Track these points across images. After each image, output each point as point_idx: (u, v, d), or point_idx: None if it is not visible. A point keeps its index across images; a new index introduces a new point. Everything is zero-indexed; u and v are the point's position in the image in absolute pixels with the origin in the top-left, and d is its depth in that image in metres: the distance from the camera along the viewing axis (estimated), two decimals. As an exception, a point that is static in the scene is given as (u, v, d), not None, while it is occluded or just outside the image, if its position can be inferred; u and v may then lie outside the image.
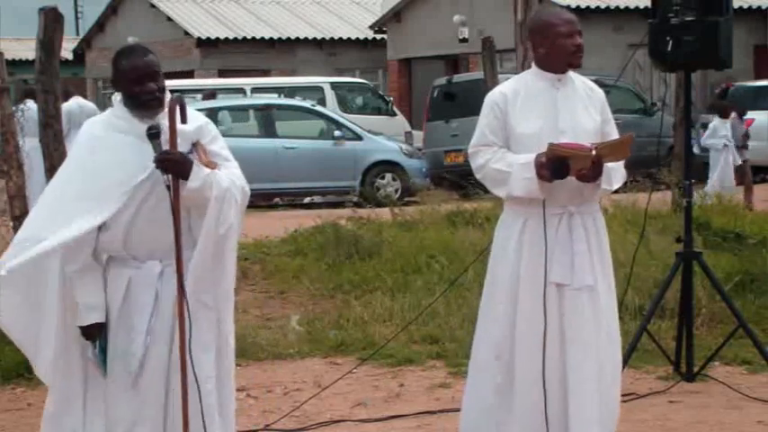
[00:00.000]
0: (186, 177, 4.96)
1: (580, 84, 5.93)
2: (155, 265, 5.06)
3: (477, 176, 5.91)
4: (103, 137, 5.07)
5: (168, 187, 4.95)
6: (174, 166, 4.96)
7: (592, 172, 5.65)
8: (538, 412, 5.72)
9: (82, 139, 5.14)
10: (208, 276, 5.07)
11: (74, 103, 17.97)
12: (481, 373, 5.90)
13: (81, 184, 5.03)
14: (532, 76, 5.88)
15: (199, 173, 4.99)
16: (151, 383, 5.07)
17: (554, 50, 5.78)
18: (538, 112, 5.78)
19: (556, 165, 5.60)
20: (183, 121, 4.99)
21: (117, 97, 5.14)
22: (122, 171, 5.00)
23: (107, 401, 5.10)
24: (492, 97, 5.89)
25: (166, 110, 4.99)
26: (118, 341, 5.08)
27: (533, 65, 5.93)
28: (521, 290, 5.75)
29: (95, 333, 5.07)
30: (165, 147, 4.98)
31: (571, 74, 5.90)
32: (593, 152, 5.62)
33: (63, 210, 5.00)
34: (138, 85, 4.99)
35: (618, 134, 5.94)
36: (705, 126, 19.86)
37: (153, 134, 4.98)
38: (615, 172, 5.82)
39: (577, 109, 5.83)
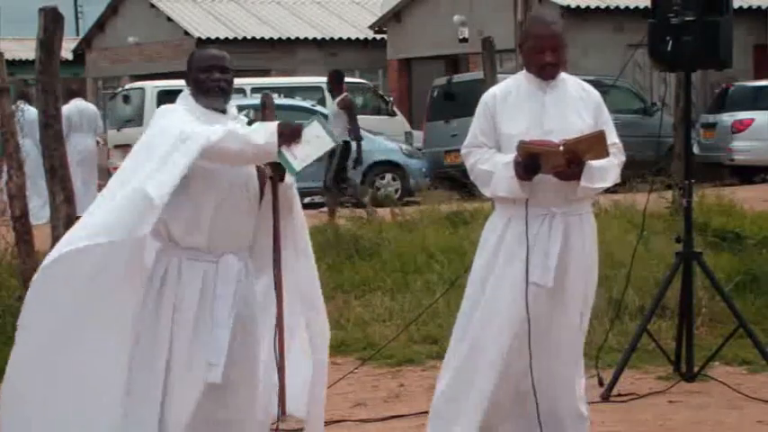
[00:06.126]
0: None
1: (573, 85, 5.96)
2: (232, 260, 5.10)
3: (471, 177, 6.03)
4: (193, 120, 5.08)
5: (272, 179, 5.15)
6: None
7: (569, 169, 5.69)
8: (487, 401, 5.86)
9: (177, 114, 5.10)
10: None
11: (73, 107, 17.96)
12: (449, 354, 6.07)
13: None
14: (524, 78, 5.94)
15: None
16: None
17: (526, 60, 5.90)
18: (525, 113, 5.84)
19: (527, 162, 5.68)
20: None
21: (186, 92, 5.23)
22: None
23: (174, 393, 5.04)
24: (484, 98, 5.99)
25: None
26: (198, 334, 5.05)
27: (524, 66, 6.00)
28: (489, 285, 5.84)
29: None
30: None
31: (564, 76, 5.94)
32: (561, 148, 5.65)
33: None
34: (205, 72, 5.13)
35: (616, 136, 5.95)
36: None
37: None
38: (602, 171, 5.80)
39: (567, 110, 5.86)
